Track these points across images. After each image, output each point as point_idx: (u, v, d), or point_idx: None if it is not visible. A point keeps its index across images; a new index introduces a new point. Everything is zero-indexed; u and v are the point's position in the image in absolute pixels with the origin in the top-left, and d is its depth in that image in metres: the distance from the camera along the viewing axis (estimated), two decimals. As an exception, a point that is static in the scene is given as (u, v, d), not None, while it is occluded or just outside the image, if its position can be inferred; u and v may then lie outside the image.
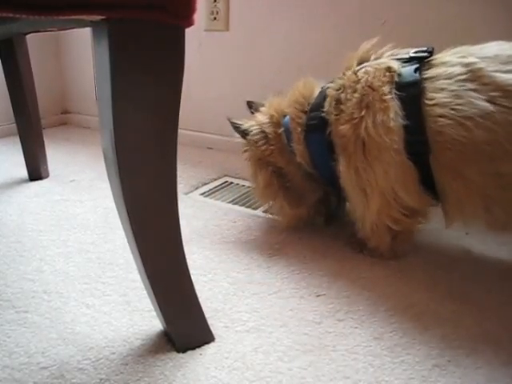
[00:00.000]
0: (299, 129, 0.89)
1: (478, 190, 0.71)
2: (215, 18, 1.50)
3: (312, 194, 0.96)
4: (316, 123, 0.86)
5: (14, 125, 1.29)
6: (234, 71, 1.54)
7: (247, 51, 1.49)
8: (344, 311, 0.72)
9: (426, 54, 0.77)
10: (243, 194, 1.22)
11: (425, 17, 1.14)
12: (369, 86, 0.77)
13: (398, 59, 0.80)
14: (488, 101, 0.67)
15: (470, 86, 0.69)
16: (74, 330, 0.67)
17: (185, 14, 0.50)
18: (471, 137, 0.68)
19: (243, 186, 1.28)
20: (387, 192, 0.78)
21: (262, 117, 0.96)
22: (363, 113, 0.76)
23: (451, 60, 0.74)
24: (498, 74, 0.68)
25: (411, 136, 0.74)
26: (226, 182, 1.32)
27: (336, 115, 0.81)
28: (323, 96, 0.86)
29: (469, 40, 0.80)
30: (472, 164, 0.70)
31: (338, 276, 0.82)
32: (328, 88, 0.86)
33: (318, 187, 0.95)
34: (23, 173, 1.32)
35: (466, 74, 0.70)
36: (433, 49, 0.79)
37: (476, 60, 0.70)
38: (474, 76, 0.69)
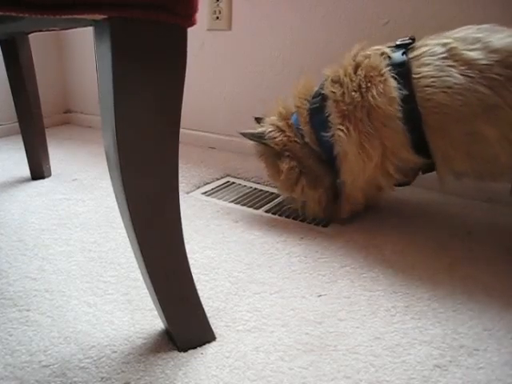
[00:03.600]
0: (305, 113, 1.01)
1: (461, 146, 0.85)
2: (218, 18, 1.50)
3: (326, 177, 1.04)
4: (318, 106, 0.98)
5: (17, 124, 1.29)
6: (237, 70, 1.54)
7: (250, 50, 1.49)
8: (345, 311, 0.72)
9: (409, 41, 0.92)
10: (245, 194, 1.22)
11: (427, 17, 1.14)
12: (370, 66, 0.91)
13: (388, 47, 0.93)
14: (460, 74, 0.82)
15: (448, 62, 0.84)
16: (76, 328, 0.67)
17: (187, 14, 0.50)
18: (452, 101, 0.83)
19: (245, 185, 1.29)
20: (394, 150, 0.90)
21: (271, 117, 1.07)
22: (369, 84, 0.90)
23: (431, 42, 0.88)
24: (465, 52, 0.82)
25: (407, 104, 0.86)
26: (228, 181, 1.32)
27: (333, 92, 0.93)
28: (322, 83, 0.99)
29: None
30: (455, 123, 0.84)
31: (339, 276, 0.82)
32: (327, 73, 0.98)
33: (330, 170, 1.03)
34: (25, 172, 1.32)
35: (444, 52, 0.85)
36: (414, 38, 0.92)
37: (450, 40, 0.85)
38: (450, 54, 0.84)
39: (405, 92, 0.86)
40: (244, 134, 1.07)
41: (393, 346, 0.64)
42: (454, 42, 0.84)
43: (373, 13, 1.22)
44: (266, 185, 1.27)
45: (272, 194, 1.22)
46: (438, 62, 0.84)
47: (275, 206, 1.14)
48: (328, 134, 0.95)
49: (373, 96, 0.88)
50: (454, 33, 0.86)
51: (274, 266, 0.85)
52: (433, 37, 0.89)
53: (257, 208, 1.13)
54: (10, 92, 1.24)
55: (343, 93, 0.92)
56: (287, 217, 1.08)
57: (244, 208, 1.13)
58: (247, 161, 1.45)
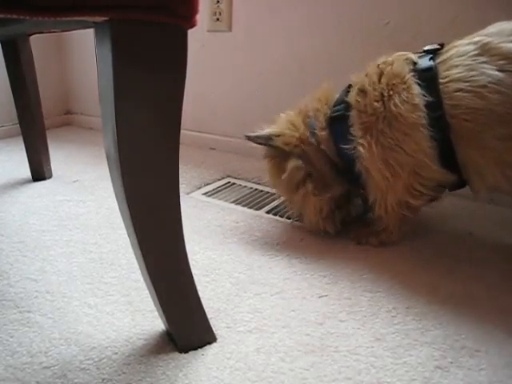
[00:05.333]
0: (322, 117, 0.95)
1: (493, 155, 0.77)
2: (218, 19, 1.50)
3: (336, 186, 0.96)
4: (340, 114, 0.91)
5: (18, 125, 1.29)
6: (237, 71, 1.54)
7: (250, 52, 1.49)
8: (346, 312, 0.72)
9: (438, 47, 0.86)
10: (246, 195, 1.22)
11: (428, 17, 1.14)
12: (392, 73, 0.85)
13: (415, 53, 0.87)
14: (498, 69, 0.75)
15: (481, 59, 0.76)
16: (77, 329, 0.67)
17: (187, 15, 0.50)
18: (486, 102, 0.75)
19: (245, 186, 1.28)
20: (420, 166, 0.83)
21: (289, 112, 1.01)
22: (391, 92, 0.84)
23: (461, 43, 0.81)
24: (503, 45, 0.76)
25: (433, 112, 0.80)
26: (229, 182, 1.32)
27: (358, 101, 0.88)
28: (346, 90, 0.93)
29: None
30: (488, 129, 0.76)
31: (340, 277, 0.82)
32: (352, 82, 0.92)
33: (342, 181, 0.96)
34: (26, 173, 1.33)
35: (476, 49, 0.78)
36: (443, 44, 0.86)
37: (483, 37, 0.78)
38: (483, 50, 0.77)
39: (430, 98, 0.79)
40: (249, 138, 0.98)
41: (394, 347, 0.64)
42: (487, 37, 0.77)
43: (373, 13, 1.22)
44: (267, 185, 1.27)
45: (273, 194, 1.22)
46: (468, 61, 0.77)
47: (276, 206, 1.14)
48: (348, 147, 0.88)
49: (395, 104, 0.82)
50: (485, 30, 0.80)
51: (275, 267, 0.85)
52: (463, 38, 0.83)
53: (257, 209, 1.13)
54: (11, 93, 1.24)
55: (366, 103, 0.86)
56: (288, 218, 1.08)
57: (244, 209, 1.13)
58: (248, 161, 1.45)
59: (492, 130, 0.76)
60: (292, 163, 0.95)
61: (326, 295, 0.76)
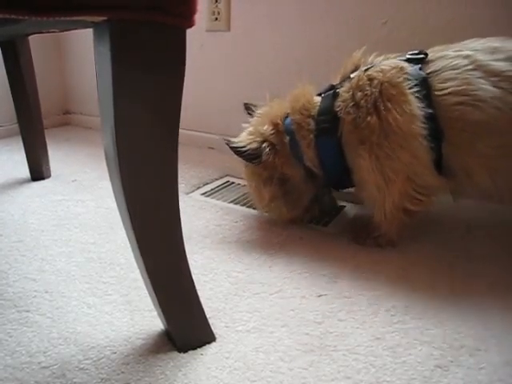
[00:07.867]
0: (310, 135, 0.92)
1: (485, 161, 0.81)
2: (216, 19, 1.50)
3: (307, 194, 1.00)
4: (328, 126, 0.90)
5: (17, 125, 1.29)
6: (236, 71, 1.54)
7: (248, 51, 1.49)
8: (345, 311, 0.72)
9: (422, 56, 0.86)
10: (244, 194, 1.22)
11: (425, 17, 1.14)
12: (387, 82, 0.84)
13: (399, 59, 0.87)
14: (493, 86, 0.78)
15: (477, 74, 0.79)
16: (76, 329, 0.67)
17: (186, 15, 0.50)
18: (485, 116, 0.79)
19: (244, 185, 1.28)
20: (415, 175, 0.85)
21: (264, 127, 0.96)
22: (389, 105, 0.83)
23: (448, 54, 0.83)
24: (491, 63, 0.79)
25: (430, 123, 0.82)
26: (228, 181, 1.32)
27: (349, 113, 0.86)
28: (330, 99, 0.91)
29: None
30: (483, 139, 0.80)
31: (340, 276, 0.82)
32: (339, 90, 0.90)
33: (313, 187, 0.99)
34: (25, 173, 1.32)
35: (470, 64, 0.80)
36: (426, 52, 0.87)
37: (471, 52, 0.81)
38: (476, 65, 0.80)
39: (428, 110, 0.81)
40: (234, 149, 0.95)
41: (393, 346, 0.64)
42: (475, 53, 0.80)
43: (371, 12, 1.22)
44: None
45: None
46: (464, 75, 0.80)
47: (275, 206, 1.14)
48: (336, 160, 0.90)
49: (394, 118, 0.81)
50: (467, 44, 0.83)
51: (274, 266, 0.85)
52: (442, 48, 0.86)
53: (256, 208, 1.13)
54: (10, 93, 1.24)
55: (359, 117, 0.85)
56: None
57: (243, 208, 1.13)
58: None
59: (486, 139, 0.80)
60: (270, 194, 0.98)
61: (326, 294, 0.76)
